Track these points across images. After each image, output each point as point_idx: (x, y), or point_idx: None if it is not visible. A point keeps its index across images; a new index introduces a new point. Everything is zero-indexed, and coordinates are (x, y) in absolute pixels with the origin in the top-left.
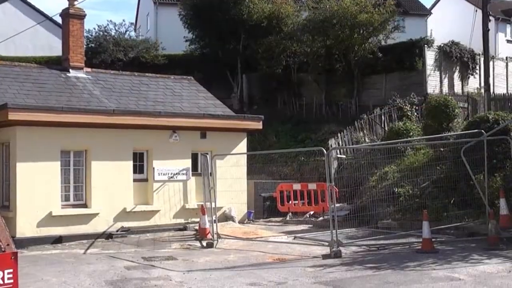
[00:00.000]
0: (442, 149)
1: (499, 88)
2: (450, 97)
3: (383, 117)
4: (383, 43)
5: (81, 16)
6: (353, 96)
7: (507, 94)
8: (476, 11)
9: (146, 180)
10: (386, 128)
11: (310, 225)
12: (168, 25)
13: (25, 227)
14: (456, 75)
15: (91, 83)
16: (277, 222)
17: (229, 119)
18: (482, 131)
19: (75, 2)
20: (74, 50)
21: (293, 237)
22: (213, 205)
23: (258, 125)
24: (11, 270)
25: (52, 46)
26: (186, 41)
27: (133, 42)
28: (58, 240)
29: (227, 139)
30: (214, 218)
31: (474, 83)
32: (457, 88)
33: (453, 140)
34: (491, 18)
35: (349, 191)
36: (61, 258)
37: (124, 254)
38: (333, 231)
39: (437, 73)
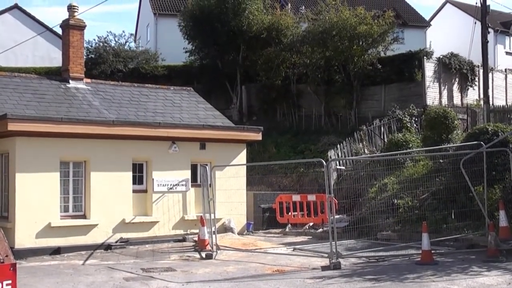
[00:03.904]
0: (441, 161)
1: (498, 100)
2: (449, 108)
3: (382, 128)
4: (382, 54)
5: (81, 27)
6: (353, 107)
7: (506, 106)
8: (475, 23)
9: (145, 191)
10: (386, 140)
11: (310, 237)
12: (167, 36)
13: (24, 238)
14: (455, 87)
15: (91, 94)
16: (276, 234)
17: (229, 130)
18: (482, 143)
19: (76, 13)
20: (74, 61)
21: (292, 249)
22: (212, 216)
23: (258, 136)
24: (9, 281)
25: (52, 57)
26: (186, 52)
27: (133, 53)
28: (57, 251)
29: (226, 150)
30: (213, 229)
31: (473, 95)
32: (456, 99)
33: (453, 151)
34: (490, 30)
35: (348, 203)
36: (59, 269)
37: (123, 265)
38: (333, 242)
39: (436, 84)
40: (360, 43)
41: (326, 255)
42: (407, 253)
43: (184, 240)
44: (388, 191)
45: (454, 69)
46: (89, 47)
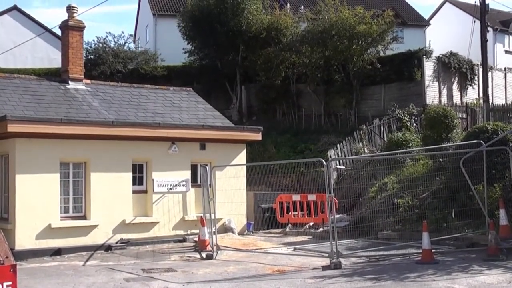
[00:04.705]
0: (441, 160)
1: (498, 98)
2: (449, 107)
3: (382, 127)
4: (381, 54)
5: (80, 28)
6: (352, 106)
7: (505, 105)
8: (475, 21)
9: (145, 191)
10: (386, 139)
11: (310, 236)
12: (167, 36)
13: (24, 239)
14: (455, 86)
15: (90, 95)
16: (276, 234)
17: (228, 130)
18: (481, 141)
19: (75, 14)
20: (73, 62)
21: (292, 249)
22: (212, 217)
23: (257, 136)
24: (10, 283)
25: (51, 58)
26: (185, 52)
27: (132, 54)
28: (57, 252)
29: (226, 150)
30: (213, 230)
31: (473, 94)
32: (456, 98)
33: (453, 150)
34: (489, 29)
35: (348, 202)
36: (60, 270)
37: (124, 266)
38: (333, 242)
39: (436, 83)
40: (360, 42)
41: (327, 254)
42: (408, 252)
43: (184, 240)
44: (388, 190)
45: (454, 68)
46: (89, 48)
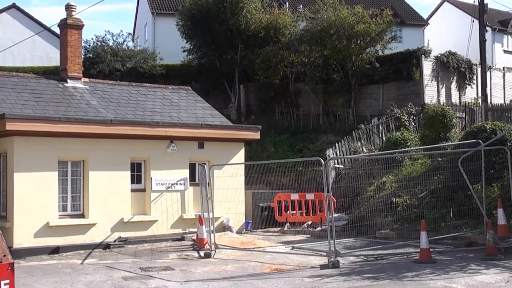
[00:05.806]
0: (439, 159)
1: (496, 98)
2: (447, 107)
3: (380, 127)
4: (380, 53)
5: (79, 27)
6: (351, 106)
7: (504, 104)
8: (473, 21)
9: (143, 190)
10: (384, 138)
11: (308, 235)
12: (165, 35)
13: (22, 237)
14: (454, 85)
15: (89, 93)
16: (274, 232)
17: (227, 129)
18: (480, 141)
19: (73, 13)
20: (72, 60)
21: (291, 247)
22: (210, 215)
23: (256, 135)
24: (7, 281)
25: (50, 56)
26: (184, 51)
27: (131, 53)
28: (55, 250)
29: (224, 149)
30: (212, 228)
31: (471, 93)
32: (455, 98)
33: (451, 150)
34: (488, 28)
35: (347, 201)
36: (58, 269)
37: (122, 264)
38: (331, 241)
39: (435, 83)
40: (358, 42)
41: (325, 253)
42: (406, 251)
43: (182, 239)
44: (386, 189)
45: (452, 68)
46: (87, 46)
